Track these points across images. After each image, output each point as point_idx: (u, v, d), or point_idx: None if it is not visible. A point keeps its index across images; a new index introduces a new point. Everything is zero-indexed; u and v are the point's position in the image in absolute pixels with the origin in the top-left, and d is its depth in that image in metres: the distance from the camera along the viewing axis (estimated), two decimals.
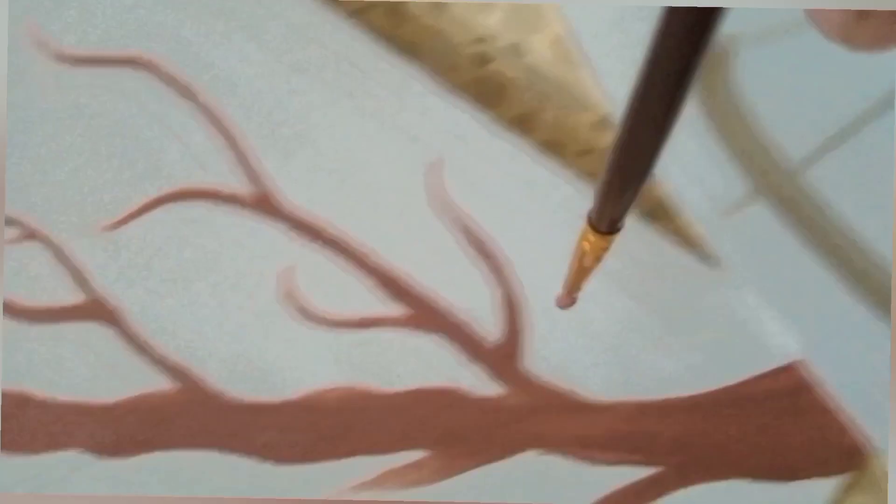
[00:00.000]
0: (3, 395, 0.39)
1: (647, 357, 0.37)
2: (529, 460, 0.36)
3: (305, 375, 0.38)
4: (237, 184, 0.40)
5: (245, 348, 0.39)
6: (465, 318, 0.38)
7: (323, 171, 0.39)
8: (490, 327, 0.37)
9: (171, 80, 0.40)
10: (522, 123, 0.39)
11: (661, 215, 0.38)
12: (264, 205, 0.39)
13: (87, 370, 0.39)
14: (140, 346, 0.39)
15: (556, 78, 0.39)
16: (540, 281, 0.38)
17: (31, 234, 0.40)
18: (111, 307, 0.39)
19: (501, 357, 0.37)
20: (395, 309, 0.38)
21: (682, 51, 0.18)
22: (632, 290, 0.37)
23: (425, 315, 0.38)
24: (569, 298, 0.31)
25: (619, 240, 0.25)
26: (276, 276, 0.39)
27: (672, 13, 0.17)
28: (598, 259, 0.27)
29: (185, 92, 0.40)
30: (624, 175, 0.22)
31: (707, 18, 0.17)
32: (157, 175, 0.40)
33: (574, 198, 0.38)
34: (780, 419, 0.35)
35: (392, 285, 0.38)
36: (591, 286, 0.30)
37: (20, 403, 0.38)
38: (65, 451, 0.38)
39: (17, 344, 0.39)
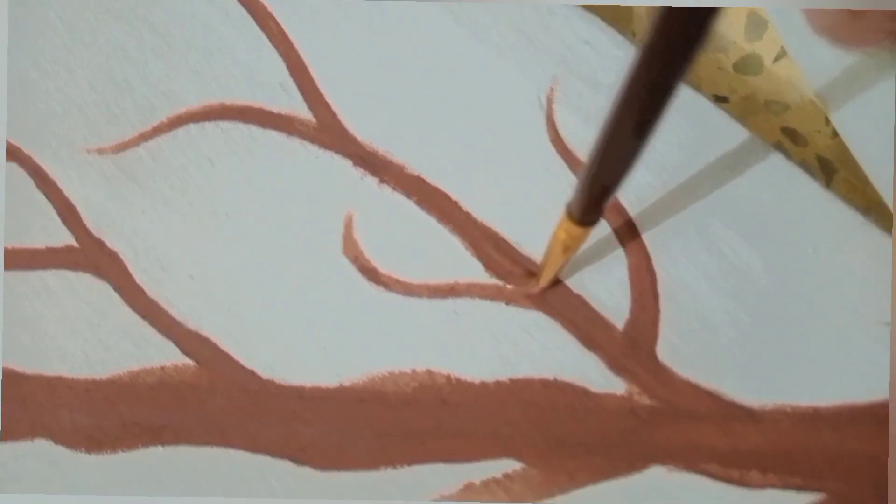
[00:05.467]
0: None
1: (815, 353, 0.29)
2: (655, 478, 0.29)
3: (368, 355, 0.30)
4: (293, 105, 0.32)
5: (288, 315, 0.31)
6: (582, 291, 0.31)
7: (403, 98, 0.32)
8: (616, 304, 0.31)
9: None
10: None
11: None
12: (328, 132, 0.31)
13: (72, 334, 0.31)
14: (144, 307, 0.31)
15: None
16: (683, 245, 0.30)
17: (9, 155, 0.32)
18: (109, 252, 0.31)
19: (628, 344, 0.30)
20: (489, 275, 0.31)
21: (669, 55, 0.18)
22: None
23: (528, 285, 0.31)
24: (539, 288, 0.30)
25: None
26: (340, 223, 0.30)
27: (665, 15, 0.18)
28: (575, 249, 0.28)
29: None
30: (605, 172, 0.23)
31: (699, 20, 0.17)
32: (184, 87, 0.32)
33: None
34: None
35: (488, 244, 0.31)
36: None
37: None
38: (30, 440, 0.30)
39: None
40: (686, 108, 0.32)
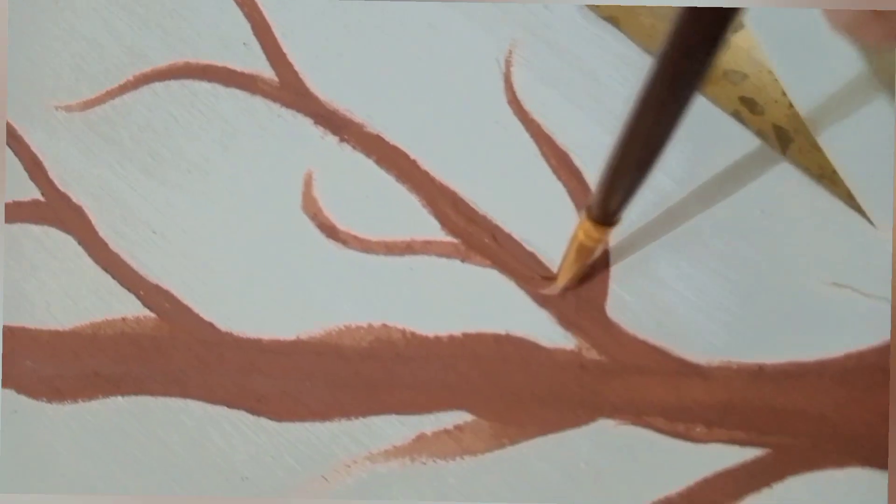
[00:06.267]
0: None
1: (762, 312, 0.30)
2: (602, 431, 0.30)
3: (325, 309, 0.31)
4: (256, 64, 0.32)
5: (248, 269, 0.31)
6: (534, 248, 0.31)
7: (365, 60, 0.32)
8: None
9: None
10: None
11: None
12: (290, 91, 0.31)
13: (36, 286, 0.31)
14: (107, 260, 0.31)
15: None
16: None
17: None
18: (74, 206, 0.32)
19: (578, 301, 0.30)
20: (445, 232, 0.31)
21: (693, 51, 0.18)
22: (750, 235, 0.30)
23: (483, 242, 0.31)
24: (558, 290, 0.30)
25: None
26: (300, 180, 0.31)
27: (688, 13, 0.17)
28: (593, 251, 0.27)
29: None
30: (626, 170, 0.22)
31: (721, 19, 0.17)
32: (151, 45, 0.32)
33: None
34: None
35: (445, 202, 0.31)
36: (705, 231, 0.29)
37: None
38: None
39: None
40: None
